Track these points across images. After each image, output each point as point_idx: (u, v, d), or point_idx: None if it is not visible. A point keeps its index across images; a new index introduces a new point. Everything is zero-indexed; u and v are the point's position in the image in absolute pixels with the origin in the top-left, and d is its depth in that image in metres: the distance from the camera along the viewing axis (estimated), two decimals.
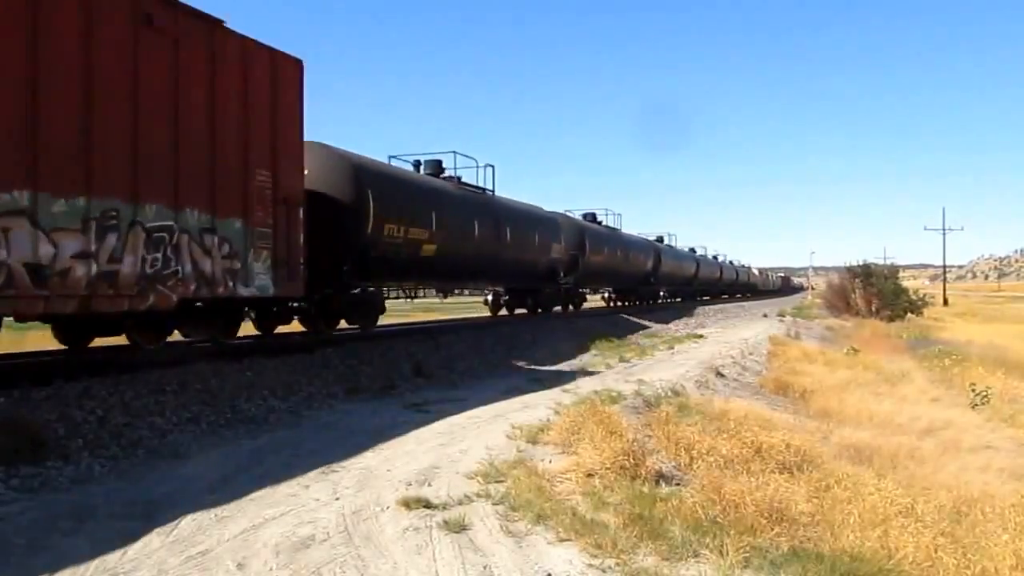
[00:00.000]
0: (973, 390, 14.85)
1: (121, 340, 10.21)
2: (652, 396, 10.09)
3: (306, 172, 11.68)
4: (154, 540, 4.62)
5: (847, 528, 5.63)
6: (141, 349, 9.81)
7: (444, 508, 5.25)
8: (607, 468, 6.06)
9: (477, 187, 18.81)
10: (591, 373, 13.40)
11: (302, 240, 10.73)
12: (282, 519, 5.02)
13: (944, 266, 71.61)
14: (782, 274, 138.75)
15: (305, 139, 11.38)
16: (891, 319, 39.71)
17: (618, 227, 33.24)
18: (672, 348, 18.58)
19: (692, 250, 51.31)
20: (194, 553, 4.43)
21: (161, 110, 8.32)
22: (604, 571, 4.36)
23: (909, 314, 41.98)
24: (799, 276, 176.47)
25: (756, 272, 78.11)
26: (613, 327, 22.38)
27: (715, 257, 61.50)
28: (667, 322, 29.23)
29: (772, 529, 5.21)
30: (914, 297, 44.67)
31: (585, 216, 29.72)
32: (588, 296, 30.54)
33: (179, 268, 8.55)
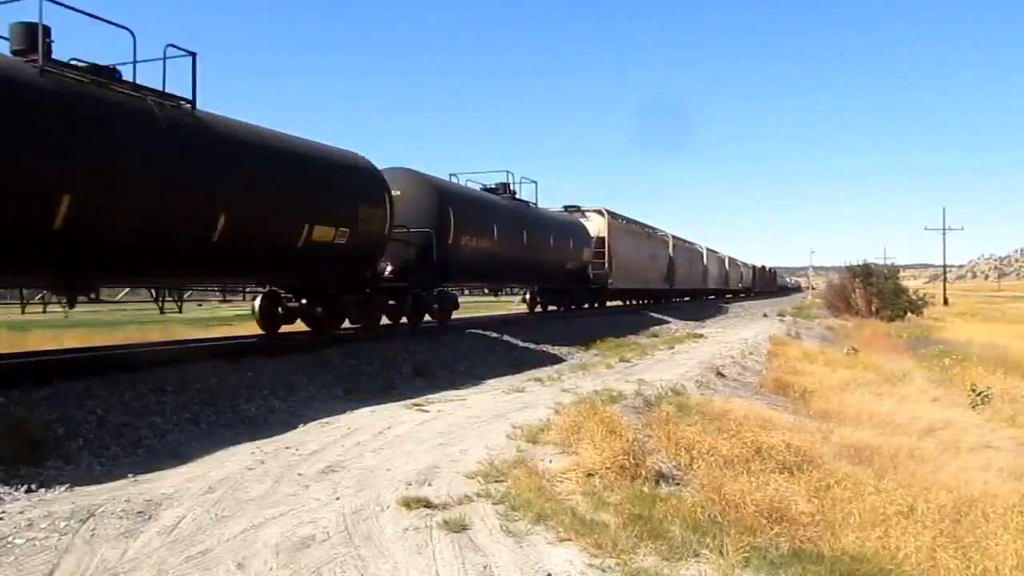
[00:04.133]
0: (973, 390, 14.85)
1: (117, 338, 10.21)
2: (652, 396, 10.08)
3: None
4: (154, 540, 4.62)
5: (847, 528, 5.64)
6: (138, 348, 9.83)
7: (444, 508, 5.25)
8: (607, 468, 6.06)
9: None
10: (591, 373, 13.39)
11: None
12: (282, 519, 5.02)
13: (944, 266, 71.67)
14: (758, 264, 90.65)
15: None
16: (891, 319, 39.75)
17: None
18: (672, 348, 18.58)
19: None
20: (194, 553, 4.43)
21: None
22: (604, 571, 4.36)
23: (909, 314, 42.01)
24: (799, 275, 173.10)
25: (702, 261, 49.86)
26: (615, 327, 22.37)
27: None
28: (672, 321, 29.79)
29: (772, 529, 5.21)
30: (914, 297, 44.69)
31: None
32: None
33: None
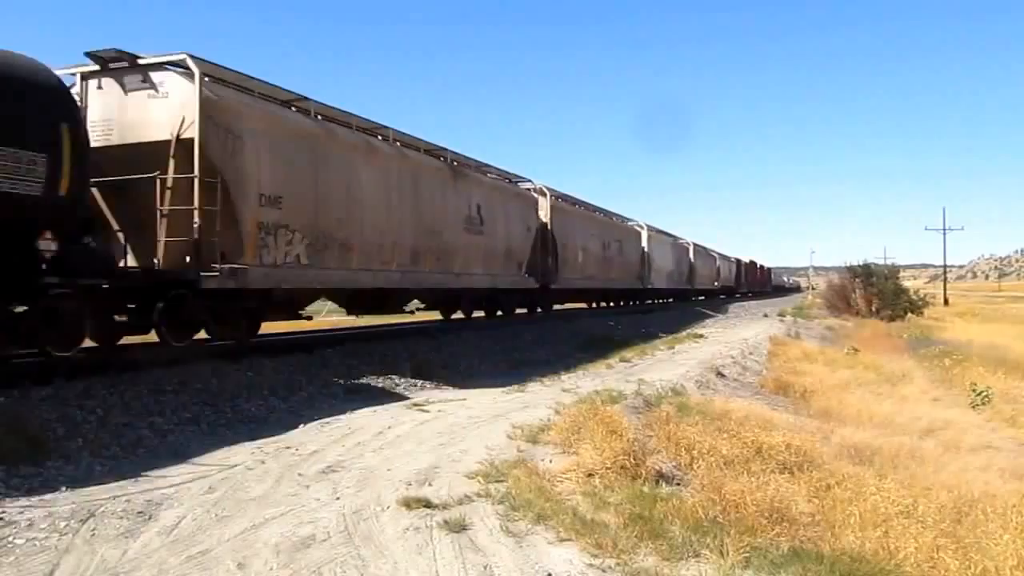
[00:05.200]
0: (974, 390, 14.84)
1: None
2: (653, 396, 10.08)
3: None
4: (154, 540, 4.62)
5: (848, 528, 5.63)
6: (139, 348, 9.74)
7: (444, 508, 5.25)
8: (607, 468, 6.05)
9: None
10: (591, 373, 13.39)
11: None
12: (282, 519, 5.02)
13: (944, 266, 71.59)
14: (745, 259, 73.23)
15: None
16: (891, 319, 39.73)
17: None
18: (672, 348, 18.58)
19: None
20: (194, 553, 4.42)
21: None
22: (604, 571, 4.35)
23: (909, 314, 42.00)
24: (799, 275, 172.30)
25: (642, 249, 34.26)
26: (616, 327, 22.39)
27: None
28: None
29: (772, 529, 5.21)
30: (914, 297, 44.69)
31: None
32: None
33: None
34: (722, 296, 58.10)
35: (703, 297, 52.37)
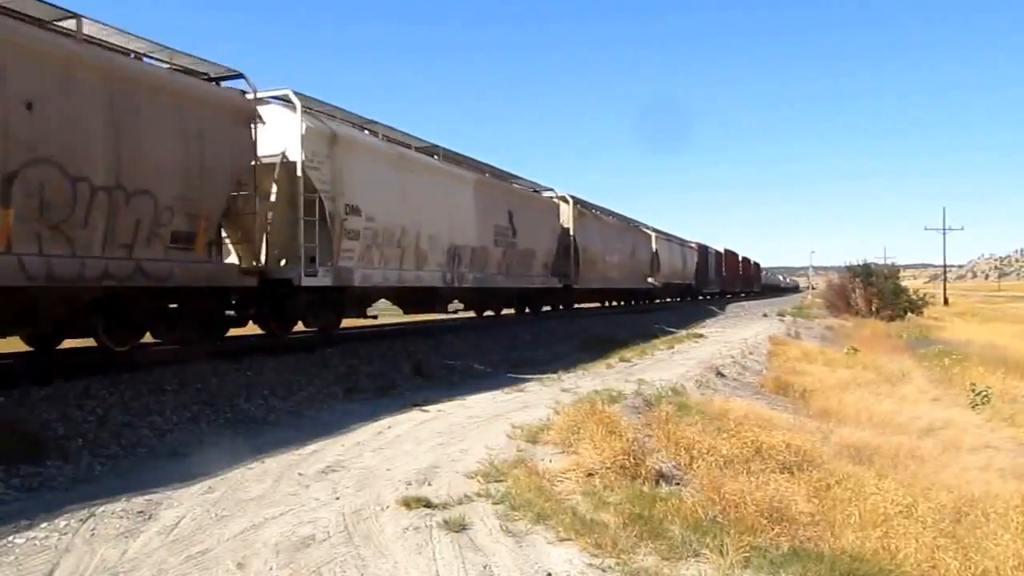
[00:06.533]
0: (973, 390, 14.85)
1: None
2: (652, 395, 10.08)
3: None
4: (154, 539, 4.61)
5: (848, 528, 5.64)
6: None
7: (444, 508, 5.25)
8: (607, 468, 6.06)
9: None
10: (591, 372, 13.39)
11: None
12: (282, 518, 5.02)
13: (944, 266, 71.63)
14: (720, 248, 54.55)
15: None
16: (891, 319, 39.75)
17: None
18: (672, 348, 18.58)
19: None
20: (194, 552, 4.42)
21: None
22: (604, 571, 4.35)
23: (909, 314, 42.02)
24: (799, 275, 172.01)
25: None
26: (615, 326, 22.38)
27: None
28: None
29: (772, 529, 5.21)
30: (914, 297, 44.71)
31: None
32: None
33: None
34: (665, 300, 39.44)
35: (620, 303, 32.74)
